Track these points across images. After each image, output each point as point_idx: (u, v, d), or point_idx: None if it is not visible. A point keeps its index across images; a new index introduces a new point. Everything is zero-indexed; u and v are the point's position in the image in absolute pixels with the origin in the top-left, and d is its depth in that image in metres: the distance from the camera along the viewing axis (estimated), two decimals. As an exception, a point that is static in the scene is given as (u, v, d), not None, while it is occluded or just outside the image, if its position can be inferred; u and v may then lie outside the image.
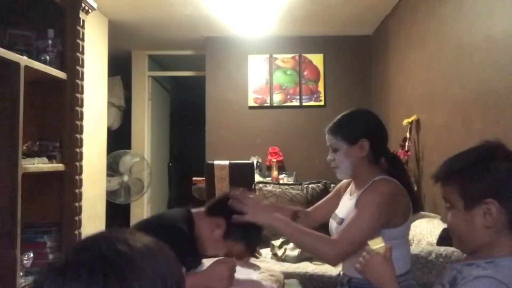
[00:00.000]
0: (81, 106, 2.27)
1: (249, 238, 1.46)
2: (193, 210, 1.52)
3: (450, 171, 1.02)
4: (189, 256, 1.42)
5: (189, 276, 1.43)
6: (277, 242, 2.78)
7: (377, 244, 1.13)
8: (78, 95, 2.24)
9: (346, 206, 1.54)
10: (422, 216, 2.40)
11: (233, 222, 1.40)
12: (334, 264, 1.47)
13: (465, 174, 0.98)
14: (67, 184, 2.18)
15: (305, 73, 4.40)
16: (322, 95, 4.38)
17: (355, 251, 1.35)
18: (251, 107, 4.40)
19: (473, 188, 0.96)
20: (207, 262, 1.46)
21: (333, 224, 1.58)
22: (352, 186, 1.62)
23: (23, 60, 1.84)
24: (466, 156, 1.01)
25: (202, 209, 1.52)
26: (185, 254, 1.35)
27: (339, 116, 1.58)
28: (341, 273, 1.58)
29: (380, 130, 1.55)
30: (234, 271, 1.36)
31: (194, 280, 1.37)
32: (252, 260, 2.49)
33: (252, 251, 1.55)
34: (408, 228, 1.50)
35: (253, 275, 1.57)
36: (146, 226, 1.43)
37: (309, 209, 1.77)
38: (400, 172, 1.54)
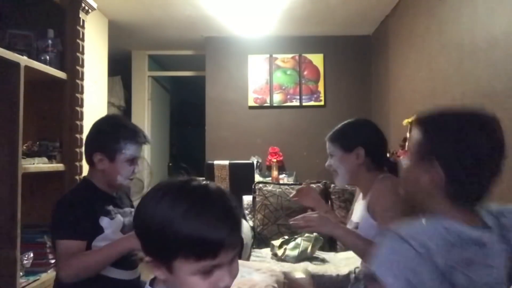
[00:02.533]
0: (81, 106, 2.27)
1: (123, 138, 1.55)
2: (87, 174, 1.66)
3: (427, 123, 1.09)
4: (102, 205, 1.54)
5: (112, 242, 1.48)
6: (277, 242, 2.78)
7: None
8: (78, 95, 2.24)
9: (358, 210, 1.58)
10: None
11: (101, 147, 1.54)
12: None
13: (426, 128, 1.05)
14: (67, 184, 2.18)
15: (305, 73, 4.40)
16: (322, 95, 4.38)
17: None
18: (251, 107, 4.40)
19: (427, 144, 0.99)
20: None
21: (348, 227, 1.61)
22: (361, 193, 1.64)
23: (23, 60, 1.84)
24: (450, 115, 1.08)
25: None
26: (90, 206, 1.51)
27: (340, 125, 1.64)
28: (355, 269, 1.60)
29: (377, 139, 1.59)
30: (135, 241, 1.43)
31: (115, 244, 1.45)
32: (252, 260, 2.50)
33: (139, 139, 1.61)
34: None
35: (254, 274, 1.57)
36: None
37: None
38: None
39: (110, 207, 1.56)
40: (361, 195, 1.65)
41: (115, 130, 1.57)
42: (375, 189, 1.47)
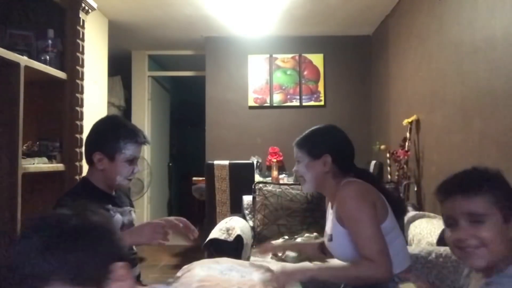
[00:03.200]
0: (81, 106, 2.27)
1: (123, 137, 1.54)
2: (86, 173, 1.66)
3: (471, 185, 0.99)
4: (104, 203, 1.53)
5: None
6: (277, 242, 2.77)
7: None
8: (78, 95, 2.24)
9: (329, 221, 1.56)
10: (422, 216, 2.40)
11: (99, 146, 1.54)
12: (390, 278, 1.46)
13: (497, 187, 0.98)
14: (67, 184, 2.18)
15: (305, 73, 4.40)
16: (322, 95, 4.38)
17: (388, 253, 1.37)
18: (251, 107, 4.40)
19: (508, 202, 0.97)
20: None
21: (325, 241, 1.61)
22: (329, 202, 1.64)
23: (23, 60, 1.84)
24: (479, 173, 1.02)
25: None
26: (96, 203, 1.46)
27: (308, 130, 1.62)
28: None
29: (344, 147, 1.58)
30: (157, 229, 1.43)
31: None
32: (252, 260, 2.49)
33: (139, 139, 1.60)
34: (393, 221, 1.48)
35: (253, 275, 1.57)
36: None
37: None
38: (372, 181, 1.54)
39: (109, 206, 1.56)
40: (329, 206, 1.64)
41: (115, 130, 1.56)
42: (339, 195, 1.47)
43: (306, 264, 1.46)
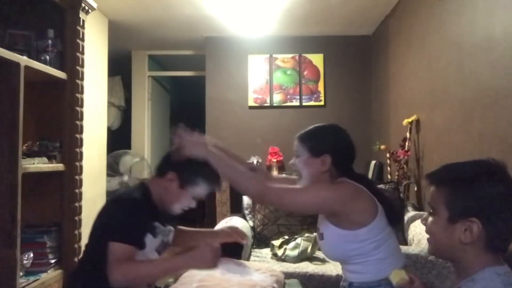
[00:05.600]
0: (81, 106, 2.27)
1: (205, 176, 1.51)
2: (147, 180, 1.61)
3: (444, 179, 1.02)
4: (151, 220, 1.49)
5: (173, 258, 1.45)
6: (277, 242, 2.78)
7: (399, 275, 1.20)
8: (78, 95, 2.24)
9: (321, 218, 1.56)
10: (422, 216, 2.40)
11: (181, 169, 1.49)
12: (255, 199, 1.50)
13: (457, 187, 0.99)
14: (67, 184, 2.18)
15: (305, 73, 4.40)
16: (322, 95, 4.38)
17: (278, 203, 1.47)
18: (251, 107, 4.40)
19: (460, 203, 0.97)
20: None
21: (318, 240, 1.60)
22: None
23: (23, 60, 1.84)
24: (463, 168, 1.02)
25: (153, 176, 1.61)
26: (144, 219, 1.47)
27: (311, 126, 1.60)
28: (342, 278, 1.59)
29: (346, 150, 1.56)
30: (218, 254, 1.41)
31: (178, 261, 1.44)
32: (252, 260, 2.50)
33: (215, 187, 1.58)
34: (380, 224, 1.47)
35: (254, 275, 1.57)
36: (104, 207, 1.55)
37: (271, 177, 1.85)
38: (367, 186, 1.53)
39: (157, 224, 1.52)
40: None
41: (204, 165, 1.50)
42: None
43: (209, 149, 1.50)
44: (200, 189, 1.52)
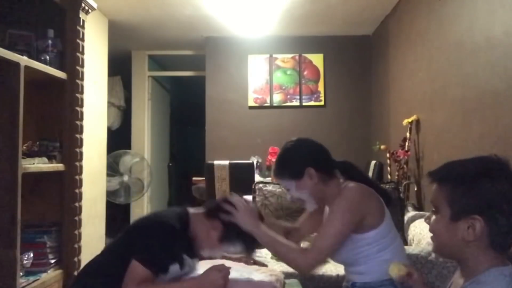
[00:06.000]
0: (81, 106, 2.26)
1: (245, 242, 1.49)
2: (191, 210, 1.56)
3: (446, 176, 1.02)
4: (182, 251, 1.46)
5: (182, 281, 1.45)
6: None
7: (397, 267, 1.22)
8: (78, 95, 2.24)
9: None
10: (422, 216, 2.40)
11: (229, 226, 1.46)
12: (306, 272, 1.52)
13: (459, 185, 0.98)
14: (67, 184, 2.18)
15: (305, 73, 4.39)
16: (322, 95, 4.38)
17: (326, 258, 1.44)
18: (251, 107, 4.40)
19: (462, 201, 0.96)
20: (201, 268, 1.49)
21: None
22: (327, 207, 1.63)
23: (23, 60, 1.84)
24: (465, 166, 1.01)
25: (200, 209, 1.56)
26: (177, 250, 1.44)
27: (276, 158, 1.60)
28: (345, 279, 1.60)
29: (318, 151, 1.57)
30: (228, 278, 1.40)
31: (188, 285, 1.42)
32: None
33: (249, 254, 1.60)
34: (389, 226, 1.49)
35: (254, 274, 1.57)
36: (140, 223, 1.53)
37: (297, 225, 1.80)
38: (357, 174, 1.56)
39: (186, 257, 1.49)
40: (327, 209, 1.64)
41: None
42: (336, 199, 1.48)
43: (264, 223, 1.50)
44: (234, 250, 1.52)
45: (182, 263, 1.46)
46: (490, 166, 0.99)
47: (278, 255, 1.52)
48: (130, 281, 1.37)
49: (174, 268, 1.45)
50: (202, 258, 1.58)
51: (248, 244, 1.51)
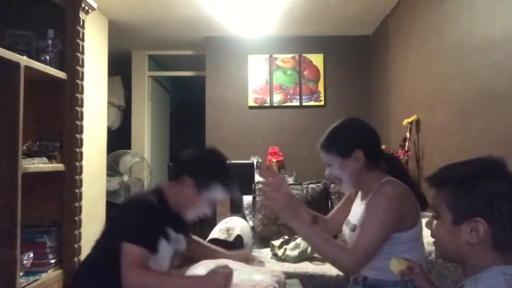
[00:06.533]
0: (81, 106, 2.27)
1: (221, 181, 1.52)
2: (162, 185, 1.60)
3: (444, 181, 1.01)
4: (165, 225, 1.49)
5: (186, 277, 1.45)
6: (277, 242, 2.78)
7: (398, 261, 1.22)
8: (78, 95, 2.24)
9: (357, 212, 1.55)
10: (422, 216, 2.40)
11: (196, 175, 1.49)
12: (351, 272, 1.49)
13: (458, 188, 0.97)
14: (67, 184, 2.18)
15: (305, 73, 4.40)
16: (322, 95, 4.38)
17: (371, 258, 1.39)
18: (251, 107, 4.40)
19: (463, 204, 0.96)
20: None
21: (346, 230, 1.59)
22: (360, 192, 1.62)
23: (23, 60, 1.84)
24: (462, 169, 1.01)
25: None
26: (160, 223, 1.47)
27: (329, 131, 1.57)
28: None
29: (372, 137, 1.56)
30: (231, 280, 1.39)
31: (191, 283, 1.42)
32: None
33: (232, 191, 1.57)
34: (421, 230, 1.48)
35: (255, 275, 1.57)
36: (118, 209, 1.59)
37: (327, 216, 1.78)
38: (400, 171, 1.55)
39: (171, 230, 1.51)
40: (359, 196, 1.63)
41: (221, 169, 1.54)
42: (378, 192, 1.46)
43: (299, 221, 1.45)
44: (217, 194, 1.53)
45: (168, 238, 1.48)
46: (487, 166, 0.99)
47: (320, 252, 1.47)
48: (128, 264, 1.36)
49: (162, 245, 1.46)
50: (188, 224, 1.61)
51: (224, 182, 1.52)
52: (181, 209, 1.54)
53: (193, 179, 1.51)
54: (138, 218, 1.43)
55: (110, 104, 4.67)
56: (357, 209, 1.57)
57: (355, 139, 1.52)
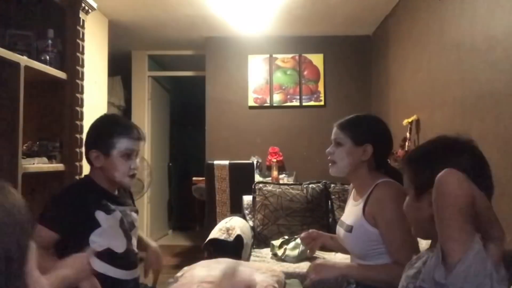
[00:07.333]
0: (81, 106, 2.26)
1: (113, 131, 1.57)
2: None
3: (409, 159, 1.08)
4: (100, 199, 1.56)
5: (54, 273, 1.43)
6: (277, 242, 2.77)
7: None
8: (78, 95, 2.24)
9: (352, 212, 1.55)
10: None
11: (99, 145, 1.57)
12: None
13: (418, 163, 1.03)
14: (67, 184, 2.18)
15: (305, 73, 4.40)
16: (322, 95, 4.38)
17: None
18: (251, 107, 4.40)
19: (422, 177, 0.99)
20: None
21: (340, 231, 1.59)
22: (354, 191, 1.62)
23: (23, 60, 1.84)
24: (425, 145, 1.08)
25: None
26: (92, 200, 1.54)
27: (353, 115, 1.61)
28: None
29: (386, 141, 1.58)
30: (85, 263, 1.34)
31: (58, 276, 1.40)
32: (252, 260, 2.49)
33: (135, 135, 1.62)
34: None
35: (255, 275, 1.57)
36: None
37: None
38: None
39: (104, 202, 1.57)
40: (352, 196, 1.63)
41: (109, 127, 1.61)
42: (375, 196, 1.45)
43: (339, 261, 1.50)
44: (121, 144, 1.57)
45: (106, 209, 1.54)
46: (446, 142, 1.06)
47: (378, 282, 1.45)
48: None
49: (100, 217, 1.53)
50: (129, 194, 1.74)
51: (118, 131, 1.57)
52: (112, 180, 1.60)
53: (95, 149, 1.58)
54: (50, 204, 1.56)
55: (110, 104, 4.67)
56: (351, 210, 1.57)
57: (373, 134, 1.55)
